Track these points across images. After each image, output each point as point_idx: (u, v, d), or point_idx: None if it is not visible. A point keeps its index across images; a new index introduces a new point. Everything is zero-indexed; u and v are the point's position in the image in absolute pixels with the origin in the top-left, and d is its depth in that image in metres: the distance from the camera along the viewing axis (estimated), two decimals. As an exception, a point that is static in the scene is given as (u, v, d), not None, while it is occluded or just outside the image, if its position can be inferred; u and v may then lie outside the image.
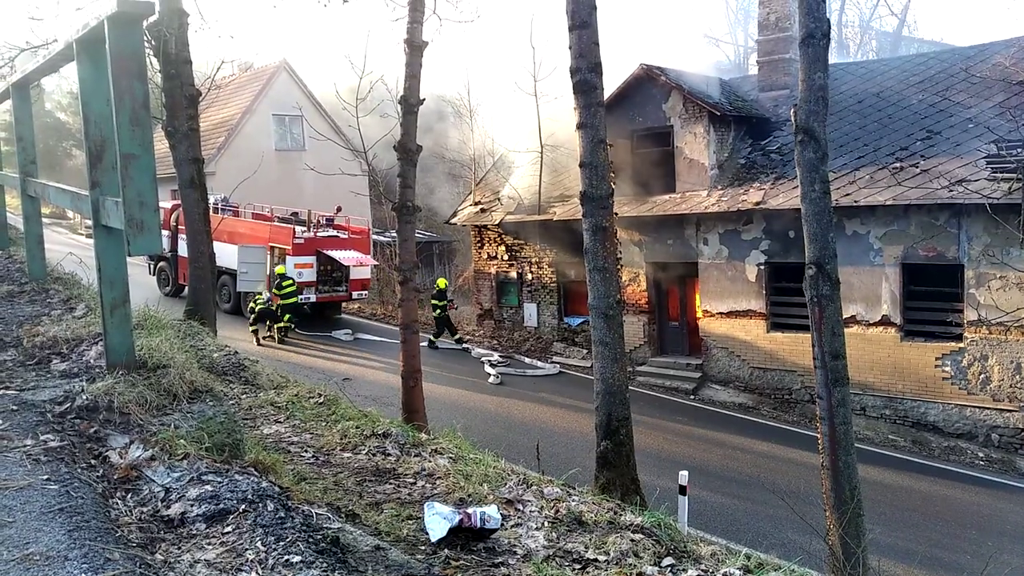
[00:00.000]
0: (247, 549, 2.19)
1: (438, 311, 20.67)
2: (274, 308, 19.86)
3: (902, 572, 8.98)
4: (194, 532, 2.32)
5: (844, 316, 9.43)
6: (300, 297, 21.18)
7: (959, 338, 14.62)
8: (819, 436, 8.13)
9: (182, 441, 2.96)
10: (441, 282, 21.31)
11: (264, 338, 19.94)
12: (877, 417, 15.62)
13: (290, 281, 20.26)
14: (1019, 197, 12.73)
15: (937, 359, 14.92)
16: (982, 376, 14.44)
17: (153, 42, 11.99)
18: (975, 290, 14.33)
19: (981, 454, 14.36)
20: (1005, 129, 13.33)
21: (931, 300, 15.19)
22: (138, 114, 3.06)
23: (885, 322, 15.44)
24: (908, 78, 17.88)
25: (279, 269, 20.59)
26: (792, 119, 8.27)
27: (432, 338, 20.39)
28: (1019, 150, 13.53)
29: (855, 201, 15.07)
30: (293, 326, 20.43)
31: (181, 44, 12.31)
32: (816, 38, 8.07)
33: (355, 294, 23.14)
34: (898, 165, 15.22)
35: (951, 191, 13.44)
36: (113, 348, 3.55)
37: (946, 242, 14.62)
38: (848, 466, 7.92)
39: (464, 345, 20.65)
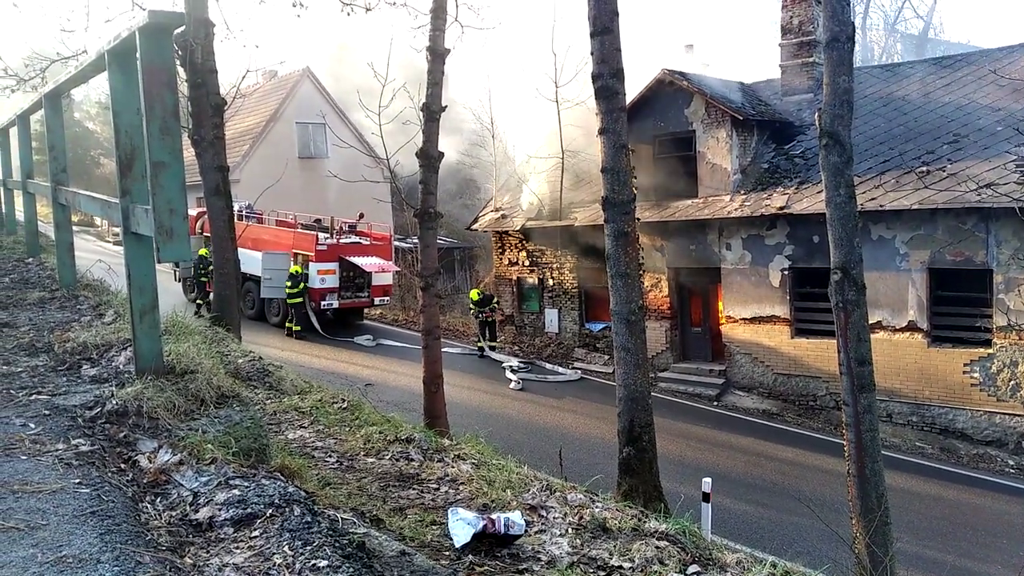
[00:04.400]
0: (275, 553, 2.21)
1: (480, 317, 20.94)
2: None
3: (931, 582, 8.84)
4: (222, 536, 2.34)
5: (870, 322, 9.31)
6: (324, 303, 21.52)
7: (988, 344, 14.37)
8: (845, 443, 8.03)
9: (209, 446, 2.99)
10: (473, 294, 21.50)
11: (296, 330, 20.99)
12: (904, 424, 15.39)
13: (289, 283, 20.74)
14: (1050, 200, 12.51)
15: (965, 365, 14.67)
16: (1012, 382, 14.17)
17: (180, 52, 12.14)
18: (1004, 295, 14.09)
19: (1011, 462, 14.09)
20: (1035, 132, 13.09)
21: (959, 305, 14.95)
22: (168, 123, 3.11)
23: (912, 328, 15.23)
24: (934, 80, 17.66)
25: (292, 269, 21.03)
26: (817, 123, 8.21)
27: (483, 347, 20.86)
28: (1049, 153, 13.31)
29: (881, 205, 14.89)
30: (299, 327, 20.82)
31: (207, 53, 12.47)
32: (841, 41, 8.01)
33: (377, 300, 23.31)
34: (924, 169, 15.02)
35: (979, 195, 13.21)
36: (142, 354, 3.61)
37: (974, 246, 14.39)
38: (875, 473, 7.81)
39: (485, 353, 20.75)
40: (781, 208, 16.33)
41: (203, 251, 22.80)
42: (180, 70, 12.52)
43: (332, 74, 32.05)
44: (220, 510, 2.46)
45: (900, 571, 7.34)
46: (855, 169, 8.94)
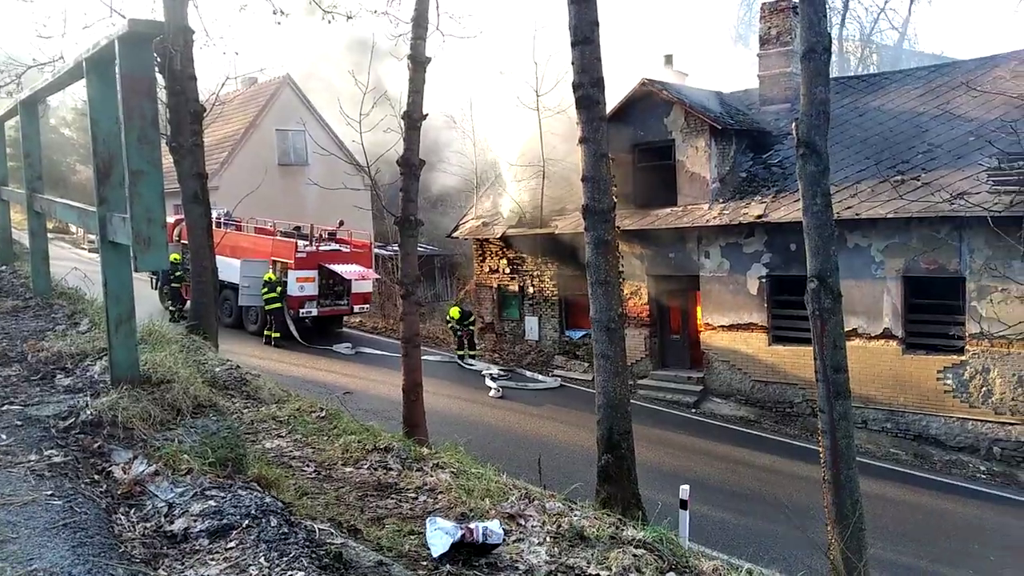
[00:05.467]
0: (250, 565, 2.20)
1: (458, 334, 21.07)
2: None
3: (906, 587, 8.95)
4: (197, 548, 2.33)
5: (846, 329, 9.43)
6: (303, 310, 21.43)
7: (961, 351, 14.61)
8: (821, 450, 8.12)
9: (185, 456, 2.98)
10: (454, 311, 21.49)
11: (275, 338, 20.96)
12: (879, 430, 15.58)
13: (266, 288, 20.71)
14: (1020, 210, 12.75)
15: (939, 372, 14.90)
16: (984, 389, 14.41)
17: (159, 59, 12.07)
18: (977, 303, 14.33)
19: (983, 467, 14.31)
20: (1006, 142, 13.35)
21: (933, 313, 15.19)
22: (147, 132, 3.10)
23: (887, 335, 15.43)
24: (909, 91, 17.96)
25: (266, 276, 20.92)
26: (794, 132, 8.32)
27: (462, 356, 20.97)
28: (1020, 163, 13.57)
29: (856, 214, 15.11)
30: (278, 334, 20.73)
31: (186, 61, 12.40)
32: (817, 52, 8.14)
33: (357, 308, 23.21)
34: (899, 178, 15.26)
35: (952, 204, 13.45)
36: (118, 363, 3.58)
37: (948, 255, 14.64)
38: (850, 480, 7.91)
39: (464, 362, 20.77)
40: (759, 217, 16.51)
41: (174, 256, 22.65)
42: (159, 77, 12.44)
43: (312, 81, 31.97)
44: (196, 521, 2.45)
45: (875, 576, 7.42)
46: (831, 178, 9.06)
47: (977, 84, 15.86)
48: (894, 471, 14.11)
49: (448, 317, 21.77)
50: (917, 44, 50.55)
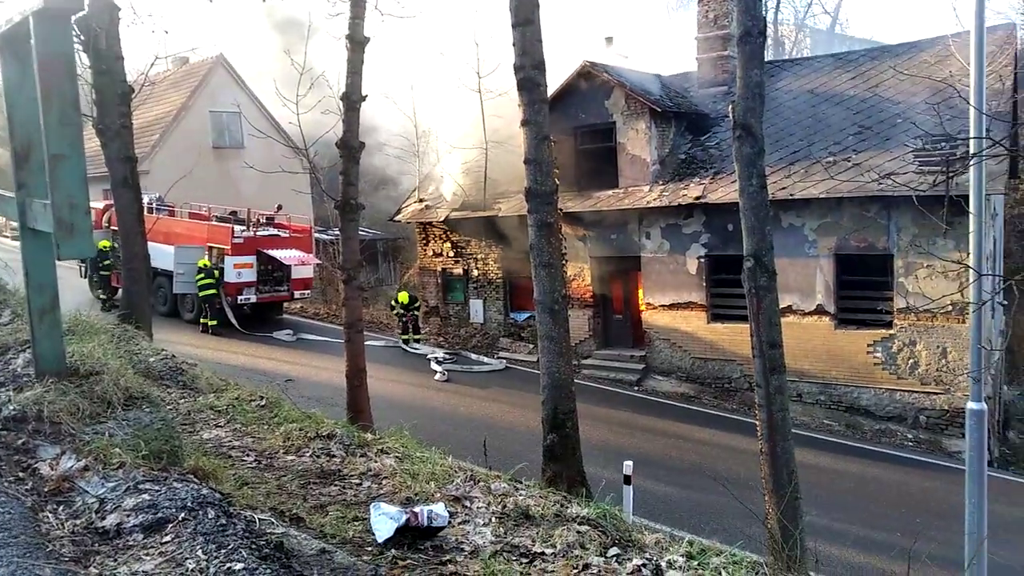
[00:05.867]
0: (187, 558, 2.16)
1: (403, 319, 20.91)
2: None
3: (837, 552, 9.32)
4: (131, 543, 2.27)
5: (781, 306, 9.70)
6: (240, 297, 20.96)
7: (889, 325, 15.21)
8: (758, 423, 8.36)
9: (117, 450, 2.89)
10: (403, 296, 21.26)
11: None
12: (813, 403, 16.14)
13: (201, 275, 20.20)
14: (943, 189, 13.29)
15: (869, 346, 15.50)
16: (911, 361, 15.06)
17: (82, 37, 11.55)
18: (904, 279, 14.93)
19: (910, 436, 14.99)
20: (931, 124, 13.88)
21: (863, 289, 15.76)
22: (67, 113, 2.96)
23: (820, 311, 15.96)
24: (840, 75, 18.47)
25: (200, 262, 20.39)
26: (730, 115, 8.46)
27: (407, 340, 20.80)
28: (944, 144, 14.13)
29: (791, 195, 15.52)
30: (214, 322, 20.33)
31: (112, 39, 11.90)
32: (753, 36, 8.26)
33: (297, 294, 22.81)
34: (831, 159, 15.72)
35: (881, 184, 13.91)
36: (42, 355, 3.44)
37: (877, 233, 15.18)
38: (786, 451, 8.17)
39: (408, 347, 20.67)
40: (697, 198, 16.81)
41: (104, 243, 21.87)
42: (83, 56, 11.91)
43: (247, 62, 31.07)
44: (129, 516, 2.38)
45: (809, 543, 7.71)
46: (767, 160, 9.26)
47: (904, 68, 16.42)
48: (827, 441, 14.65)
49: (394, 302, 21.55)
50: (848, 29, 52.06)
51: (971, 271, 7.35)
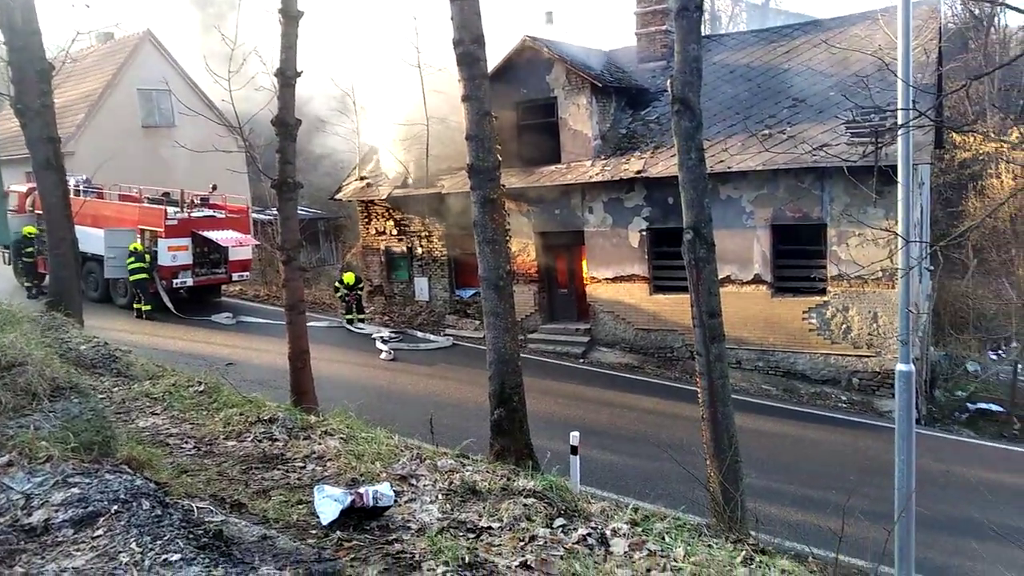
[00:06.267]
0: (120, 552, 2.09)
1: (347, 300, 20.66)
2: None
3: (776, 511, 9.67)
4: (60, 539, 2.19)
5: (720, 276, 9.91)
6: (176, 281, 20.39)
7: (823, 292, 15.71)
8: (699, 390, 8.56)
9: (44, 443, 2.78)
10: (349, 276, 20.90)
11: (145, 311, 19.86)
12: (752, 369, 16.62)
13: (132, 259, 19.60)
14: (873, 160, 13.71)
15: (804, 312, 15.99)
16: (844, 326, 15.60)
17: (-8, 10, 10.94)
18: (837, 247, 15.41)
19: (844, 397, 15.59)
20: (861, 96, 14.28)
21: (798, 258, 16.22)
22: (-30, 91, 2.79)
23: (757, 280, 16.37)
24: (775, 49, 18.80)
25: (131, 246, 19.76)
26: (669, 90, 8.53)
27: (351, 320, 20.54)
28: (874, 116, 14.55)
29: (728, 167, 15.80)
30: (148, 307, 19.80)
31: (28, 13, 11.31)
32: (690, 10, 8.32)
33: (235, 276, 22.27)
34: (767, 132, 16.04)
35: (815, 156, 14.27)
36: (-41, 348, 3.27)
37: (811, 203, 15.60)
38: (726, 417, 8.40)
39: (353, 327, 20.44)
40: (638, 172, 16.97)
41: (27, 229, 20.97)
42: (-5, 31, 11.32)
43: (176, 37, 29.89)
44: (57, 511, 2.30)
45: (750, 504, 7.98)
46: (705, 133, 9.39)
47: (836, 42, 16.80)
48: (765, 406, 15.13)
49: (338, 283, 21.24)
50: (782, 3, 52.88)
51: (899, 238, 7.61)
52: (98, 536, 2.18)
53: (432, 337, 19.70)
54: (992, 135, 23.90)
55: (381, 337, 19.13)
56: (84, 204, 19.52)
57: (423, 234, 21.16)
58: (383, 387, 15.36)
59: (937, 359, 20.71)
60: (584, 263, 18.83)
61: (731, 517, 7.07)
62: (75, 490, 2.40)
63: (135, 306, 20.07)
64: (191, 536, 2.22)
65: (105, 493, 2.39)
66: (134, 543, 2.11)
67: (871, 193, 13.74)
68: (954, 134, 27.82)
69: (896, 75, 7.40)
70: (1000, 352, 23.30)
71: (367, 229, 22.29)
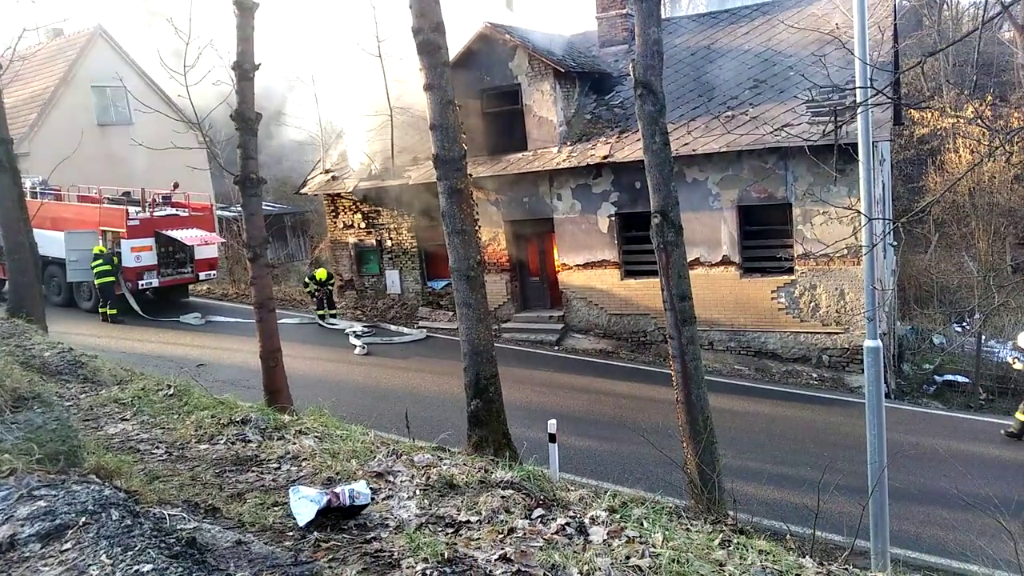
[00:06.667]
0: (90, 565, 2.04)
1: (317, 295, 20.53)
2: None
3: (753, 491, 9.81)
4: (27, 555, 2.13)
5: (689, 259, 9.99)
6: (141, 282, 20.05)
7: (791, 271, 15.91)
8: (672, 373, 8.63)
9: (7, 456, 2.70)
10: (321, 273, 20.71)
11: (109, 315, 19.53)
12: (724, 350, 16.81)
13: (99, 261, 19.24)
14: (834, 138, 13.88)
15: (773, 292, 16.20)
16: (812, 304, 15.84)
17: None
18: (802, 226, 15.61)
19: (815, 375, 15.85)
20: (820, 76, 14.45)
21: (765, 238, 16.41)
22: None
23: (725, 262, 16.53)
24: (736, 30, 18.91)
25: (95, 249, 19.38)
26: (631, 74, 8.53)
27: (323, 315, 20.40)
28: (833, 95, 14.72)
29: (693, 150, 15.89)
30: (114, 311, 19.45)
31: (-31, 10, 10.95)
32: (649, -7, 8.31)
33: (202, 275, 21.93)
34: (730, 114, 16.15)
35: (777, 136, 14.44)
36: (-87, 361, 3.16)
37: (775, 184, 15.77)
38: (700, 399, 8.48)
39: (325, 323, 20.28)
40: (605, 157, 17.00)
41: None
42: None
43: (128, 32, 29.20)
44: (23, 526, 2.23)
45: (727, 484, 8.07)
46: (668, 116, 9.41)
47: (794, 22, 16.95)
48: (738, 386, 15.32)
49: (308, 279, 21.06)
50: (741, -17, 53.22)
51: (862, 216, 7.72)
52: (66, 550, 2.12)
53: (405, 330, 19.61)
54: (949, 110, 24.35)
55: (354, 332, 18.99)
56: (42, 206, 19.03)
57: (392, 226, 21.01)
58: (358, 382, 15.26)
59: (904, 333, 21.14)
60: (555, 250, 18.86)
61: (709, 498, 7.15)
62: (41, 503, 2.34)
63: (100, 310, 19.68)
64: (163, 545, 2.17)
65: (73, 505, 2.32)
66: (104, 555, 2.06)
67: (832, 172, 13.93)
68: (912, 111, 28.33)
69: (853, 53, 7.48)
70: (964, 324, 23.86)
71: (335, 223, 22.07)
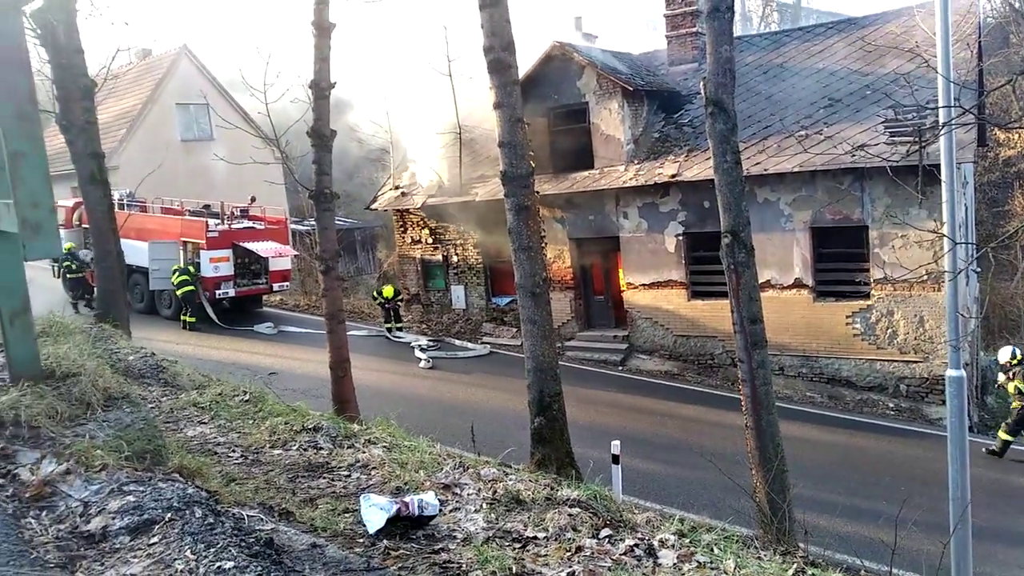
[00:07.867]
0: (176, 559, 2.11)
1: (387, 307, 20.98)
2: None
3: (825, 522, 9.44)
4: (117, 546, 2.22)
5: (760, 281, 9.75)
6: (219, 292, 20.78)
7: (867, 296, 15.37)
8: (742, 398, 8.42)
9: (99, 452, 2.82)
10: (388, 290, 21.17)
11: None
12: (795, 376, 16.31)
13: (176, 271, 20.12)
14: (916, 159, 13.41)
15: (847, 317, 15.66)
16: (889, 331, 15.24)
17: (39, 31, 11.28)
18: (879, 249, 15.08)
19: (891, 404, 15.21)
20: (900, 95, 13.99)
21: (840, 261, 15.90)
22: (24, 108, 2.87)
23: (798, 284, 16.09)
24: (809, 48, 18.53)
25: (174, 266, 20.35)
26: (702, 92, 8.44)
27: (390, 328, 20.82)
28: (914, 115, 14.23)
29: (765, 169, 15.58)
30: (194, 319, 20.21)
31: (70, 32, 11.63)
32: (721, 11, 8.24)
33: (276, 286, 22.62)
34: (803, 133, 15.79)
35: (853, 156, 14.00)
36: (16, 359, 3.35)
37: (851, 205, 15.30)
38: (770, 425, 8.25)
39: (392, 335, 20.60)
40: (673, 176, 16.83)
41: (68, 245, 21.55)
42: (41, 51, 11.67)
43: (212, 52, 30.55)
44: (114, 519, 2.33)
45: (797, 515, 7.80)
46: (740, 135, 9.27)
47: (872, 40, 16.51)
48: (811, 413, 14.83)
49: (376, 293, 21.54)
50: (813, 2, 52.19)
51: (946, 240, 7.41)
52: (154, 543, 2.21)
53: (470, 345, 19.74)
54: (1039, 132, 23.22)
55: (419, 345, 19.22)
56: (128, 218, 20.02)
57: (458, 242, 21.24)
58: (422, 395, 15.42)
59: (988, 364, 20.10)
60: (620, 269, 18.71)
61: (779, 528, 6.93)
62: (130, 498, 2.43)
63: (182, 318, 20.44)
64: (243, 544, 2.23)
65: (159, 501, 2.41)
66: (188, 550, 2.13)
67: (915, 194, 13.41)
68: (997, 131, 27.11)
69: (937, 71, 7.22)
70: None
71: (403, 238, 22.45)
